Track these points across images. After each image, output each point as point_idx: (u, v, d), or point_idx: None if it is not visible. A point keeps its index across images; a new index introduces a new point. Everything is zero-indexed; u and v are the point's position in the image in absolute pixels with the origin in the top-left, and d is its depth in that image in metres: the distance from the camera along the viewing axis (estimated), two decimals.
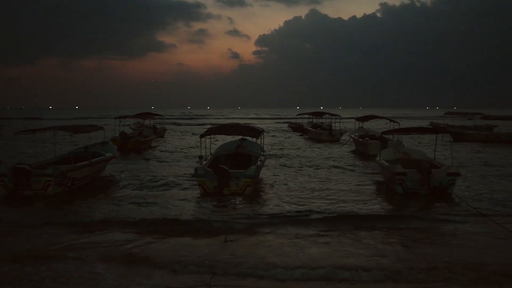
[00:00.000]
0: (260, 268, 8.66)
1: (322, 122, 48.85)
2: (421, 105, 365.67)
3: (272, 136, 44.85)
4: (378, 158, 18.80)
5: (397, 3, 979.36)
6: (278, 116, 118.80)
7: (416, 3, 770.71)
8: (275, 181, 18.53)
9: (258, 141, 20.27)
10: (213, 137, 20.96)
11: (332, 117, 45.09)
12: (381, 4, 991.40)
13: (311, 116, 50.21)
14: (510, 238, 10.59)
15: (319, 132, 40.61)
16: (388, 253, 9.56)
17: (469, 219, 12.33)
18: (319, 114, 48.36)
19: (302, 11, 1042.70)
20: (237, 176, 15.99)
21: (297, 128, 54.05)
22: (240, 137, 20.33)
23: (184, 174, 19.99)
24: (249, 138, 20.06)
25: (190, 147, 31.20)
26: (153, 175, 19.74)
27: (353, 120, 38.79)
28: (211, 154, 19.64)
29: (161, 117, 48.54)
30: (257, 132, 19.07)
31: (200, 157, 17.19)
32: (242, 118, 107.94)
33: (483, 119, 45.91)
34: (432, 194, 14.92)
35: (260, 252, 9.65)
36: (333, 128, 41.29)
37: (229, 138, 23.23)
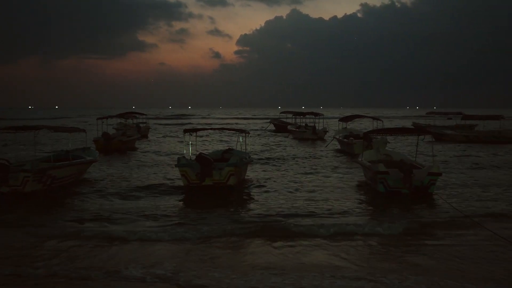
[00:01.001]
0: None
1: (306, 123, 48.95)
2: (402, 105, 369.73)
3: (257, 136, 44.83)
4: (360, 159, 18.84)
5: (378, 4, 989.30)
6: (260, 116, 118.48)
7: (397, 3, 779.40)
8: (258, 180, 18.55)
9: (245, 143, 20.39)
10: (199, 145, 20.91)
11: (316, 116, 45.43)
12: (361, 5, 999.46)
13: (294, 116, 50.44)
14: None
15: (302, 131, 40.86)
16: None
17: (453, 220, 12.21)
18: (303, 114, 48.63)
19: (283, 11, 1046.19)
20: (220, 167, 16.05)
21: (280, 127, 54.09)
22: (226, 147, 20.38)
23: (161, 184, 17.94)
24: (234, 143, 20.09)
25: (173, 150, 30.75)
26: (130, 182, 18.35)
27: (334, 119, 39.12)
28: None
29: (144, 116, 48.21)
30: (240, 131, 19.24)
31: (183, 158, 17.13)
32: (225, 118, 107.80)
33: (464, 119, 46.61)
34: (414, 194, 15.02)
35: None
36: (317, 127, 41.53)
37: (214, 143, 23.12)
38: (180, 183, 16.71)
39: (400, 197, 14.97)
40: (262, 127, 53.41)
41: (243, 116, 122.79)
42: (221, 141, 36.18)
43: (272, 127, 56.24)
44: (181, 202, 14.75)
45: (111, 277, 8.34)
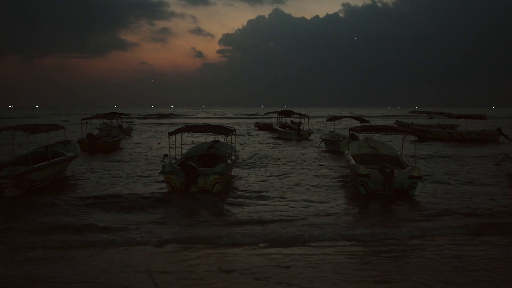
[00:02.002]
0: None
1: (291, 122, 48.95)
2: (384, 104, 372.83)
3: (241, 136, 44.74)
4: (346, 153, 18.83)
5: (360, 4, 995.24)
6: (245, 116, 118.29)
7: (378, 3, 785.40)
8: (241, 179, 18.45)
9: (230, 141, 20.17)
10: (185, 137, 20.63)
11: (301, 117, 45.50)
12: (343, 5, 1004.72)
13: (279, 116, 50.44)
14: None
15: (287, 132, 40.92)
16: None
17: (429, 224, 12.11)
18: (288, 114, 48.66)
19: (265, 10, 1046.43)
20: (205, 174, 15.85)
21: (264, 127, 54.03)
22: (213, 138, 20.17)
23: (145, 188, 17.07)
24: (221, 138, 19.93)
25: (157, 149, 30.54)
26: (113, 186, 17.59)
27: (317, 119, 39.01)
28: (181, 154, 19.45)
29: (128, 116, 47.89)
30: (227, 131, 18.81)
31: (166, 155, 16.87)
32: (209, 118, 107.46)
33: (447, 118, 47.31)
34: (394, 196, 14.97)
35: None
36: (302, 127, 41.61)
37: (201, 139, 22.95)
38: (165, 188, 16.32)
39: (380, 199, 14.78)
40: (251, 129, 53.29)
41: (226, 116, 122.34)
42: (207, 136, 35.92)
43: (255, 127, 56.11)
44: (166, 208, 14.05)
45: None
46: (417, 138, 33.52)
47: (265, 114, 57.94)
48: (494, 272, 8.60)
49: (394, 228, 11.69)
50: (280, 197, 15.35)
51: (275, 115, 51.46)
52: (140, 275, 8.45)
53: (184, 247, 10.08)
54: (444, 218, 12.57)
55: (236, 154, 20.06)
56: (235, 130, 20.19)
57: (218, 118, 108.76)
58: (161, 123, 76.21)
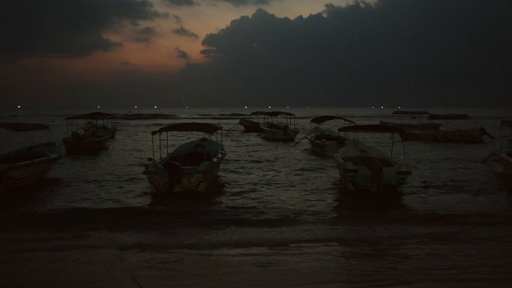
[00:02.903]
0: None
1: (278, 123, 48.95)
2: (367, 104, 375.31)
3: (226, 136, 44.66)
4: (336, 155, 18.85)
5: (343, 4, 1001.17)
6: (229, 116, 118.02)
7: (361, 4, 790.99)
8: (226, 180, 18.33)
9: (217, 140, 20.08)
10: (170, 136, 20.38)
11: (287, 116, 45.50)
12: (326, 5, 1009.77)
13: (266, 116, 50.43)
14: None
15: (274, 131, 40.99)
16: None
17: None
18: (274, 114, 48.67)
19: (249, 11, 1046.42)
20: (189, 173, 15.60)
21: (250, 127, 53.90)
22: (201, 136, 20.05)
23: (129, 189, 16.78)
24: (207, 136, 19.80)
25: (142, 152, 30.12)
26: (97, 186, 17.39)
27: (301, 119, 39.14)
28: (167, 154, 19.20)
29: (112, 116, 47.41)
30: (212, 128, 18.67)
31: (150, 159, 16.62)
32: (194, 118, 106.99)
33: (430, 119, 47.78)
34: (382, 193, 14.96)
35: None
36: (288, 127, 41.72)
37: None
38: (149, 188, 16.09)
39: (369, 196, 14.87)
40: (232, 128, 53.03)
41: (211, 116, 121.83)
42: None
43: (242, 127, 55.87)
44: (147, 210, 13.75)
45: None
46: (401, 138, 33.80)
47: (251, 114, 57.94)
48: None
49: (378, 227, 11.70)
50: (266, 196, 15.38)
51: (262, 115, 51.61)
52: (123, 278, 8.21)
53: (165, 248, 9.92)
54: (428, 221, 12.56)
55: (223, 152, 19.89)
56: (221, 127, 20.02)
57: (203, 118, 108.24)
58: (146, 124, 75.72)
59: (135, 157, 26.66)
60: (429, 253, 9.64)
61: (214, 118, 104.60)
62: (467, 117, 43.07)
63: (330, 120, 36.72)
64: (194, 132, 36.84)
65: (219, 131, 19.69)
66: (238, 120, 62.07)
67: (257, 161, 24.79)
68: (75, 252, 9.55)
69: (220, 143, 20.25)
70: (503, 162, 19.83)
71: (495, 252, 9.77)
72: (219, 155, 18.84)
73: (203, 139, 19.85)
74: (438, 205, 14.22)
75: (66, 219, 12.39)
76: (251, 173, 20.47)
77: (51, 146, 20.23)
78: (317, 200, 15.01)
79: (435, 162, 24.49)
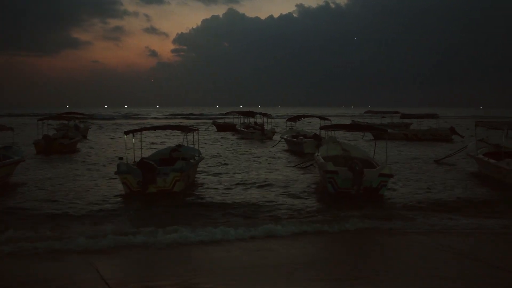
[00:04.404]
0: None
1: (255, 121, 48.87)
2: (336, 104, 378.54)
3: (201, 136, 44.38)
4: (316, 155, 18.55)
5: (313, 5, 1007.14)
6: (201, 116, 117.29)
7: (331, 4, 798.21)
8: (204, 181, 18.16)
9: (193, 141, 19.82)
10: (145, 138, 19.78)
11: (264, 116, 45.58)
12: (297, 5, 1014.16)
13: (243, 116, 50.25)
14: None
15: (251, 132, 40.96)
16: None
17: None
18: (251, 114, 48.62)
19: (220, 10, 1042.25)
20: (165, 172, 15.07)
21: (223, 127, 53.65)
22: (176, 143, 19.65)
23: (100, 192, 16.08)
24: (182, 142, 19.51)
25: (115, 152, 29.52)
26: (66, 189, 16.51)
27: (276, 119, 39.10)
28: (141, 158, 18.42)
29: (84, 115, 46.79)
30: (188, 129, 18.40)
31: (121, 158, 15.95)
32: (166, 119, 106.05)
33: (401, 118, 48.83)
34: (363, 195, 14.61)
35: None
36: (265, 127, 41.83)
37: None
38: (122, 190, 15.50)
39: (348, 198, 14.56)
40: (207, 128, 52.70)
41: (183, 115, 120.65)
42: (168, 137, 35.53)
43: (214, 128, 55.49)
44: (120, 211, 13.41)
45: None
46: (373, 138, 34.30)
47: (226, 114, 57.70)
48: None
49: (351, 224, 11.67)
50: (243, 197, 15.09)
51: (237, 115, 51.46)
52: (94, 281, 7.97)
53: (139, 248, 9.77)
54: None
55: (200, 155, 19.48)
56: (197, 129, 19.73)
57: (175, 118, 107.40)
58: (119, 123, 74.90)
59: (107, 158, 26.16)
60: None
61: (187, 119, 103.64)
62: (437, 117, 44.07)
63: (305, 119, 36.91)
64: (172, 136, 36.50)
65: (196, 133, 19.32)
66: (211, 121, 61.71)
67: (232, 160, 24.73)
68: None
69: (196, 147, 19.74)
70: (481, 162, 20.02)
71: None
72: (196, 158, 18.43)
73: (179, 145, 19.46)
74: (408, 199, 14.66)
75: (32, 223, 11.83)
76: (228, 175, 20.20)
77: (9, 150, 19.19)
78: (294, 198, 15.05)
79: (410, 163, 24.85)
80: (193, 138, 19.85)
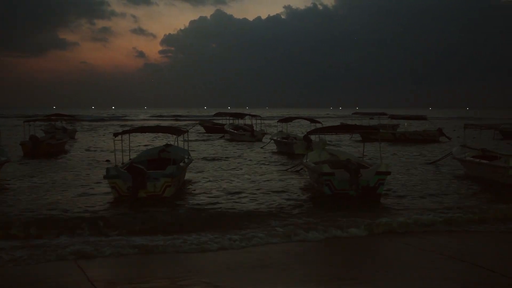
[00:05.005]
0: None
1: (244, 123, 48.75)
2: (324, 105, 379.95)
3: (191, 138, 44.20)
4: (305, 160, 18.30)
5: (301, 6, 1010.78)
6: (188, 118, 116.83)
7: (319, 6, 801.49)
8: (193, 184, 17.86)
9: (183, 145, 19.51)
10: (134, 137, 19.41)
11: (253, 117, 45.51)
12: (285, 7, 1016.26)
13: (232, 117, 50.08)
14: None
15: (241, 133, 40.88)
16: None
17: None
18: (240, 116, 48.52)
19: (207, 11, 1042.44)
20: (155, 177, 14.69)
21: (211, 128, 53.47)
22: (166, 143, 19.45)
23: (88, 195, 15.68)
24: (172, 141, 19.29)
25: (104, 154, 29.17)
26: (52, 191, 16.27)
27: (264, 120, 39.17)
28: (130, 159, 18.07)
29: (72, 117, 46.43)
30: (178, 131, 18.14)
31: (108, 161, 15.62)
32: (154, 120, 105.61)
33: (390, 119, 49.06)
34: (361, 195, 14.36)
35: None
36: (255, 129, 41.81)
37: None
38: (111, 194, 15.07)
39: (347, 200, 14.27)
40: (193, 127, 52.29)
41: (171, 116, 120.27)
42: (159, 139, 35.23)
43: (202, 129, 55.08)
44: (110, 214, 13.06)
45: None
46: (361, 138, 34.54)
47: (214, 115, 57.49)
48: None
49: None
50: (234, 202, 14.60)
51: (225, 116, 51.31)
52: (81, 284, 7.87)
53: (124, 255, 9.55)
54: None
55: (189, 157, 19.07)
56: (187, 131, 19.42)
57: (163, 120, 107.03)
58: (107, 125, 74.44)
59: (95, 160, 25.73)
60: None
61: (176, 120, 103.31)
62: (425, 118, 44.37)
63: (296, 121, 36.94)
64: (160, 135, 36.20)
65: (186, 135, 19.04)
66: (198, 122, 61.27)
67: (223, 163, 24.60)
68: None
69: (186, 148, 19.41)
70: (471, 165, 20.02)
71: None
72: (185, 161, 18.02)
73: (168, 145, 19.15)
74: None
75: (17, 227, 11.46)
76: (219, 177, 19.96)
77: None
78: (286, 199, 14.91)
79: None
80: (183, 139, 19.58)
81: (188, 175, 19.28)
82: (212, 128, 53.29)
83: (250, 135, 39.35)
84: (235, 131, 42.67)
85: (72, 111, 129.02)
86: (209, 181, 18.79)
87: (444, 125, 51.50)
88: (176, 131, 18.26)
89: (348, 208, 13.57)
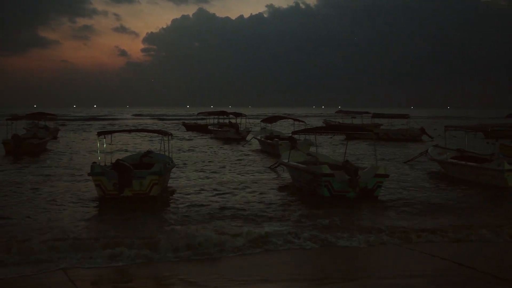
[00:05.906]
0: None
1: (230, 121, 48.66)
2: (309, 104, 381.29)
3: (175, 138, 44.02)
4: (285, 160, 18.03)
5: (283, 5, 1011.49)
6: (172, 117, 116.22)
7: (301, 5, 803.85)
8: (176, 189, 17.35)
9: (166, 149, 19.02)
10: (118, 136, 18.98)
11: (238, 117, 45.52)
12: (267, 6, 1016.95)
13: (215, 117, 50.17)
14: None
15: (226, 131, 40.87)
16: None
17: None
18: (225, 113, 48.56)
19: (190, 10, 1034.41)
20: (141, 175, 14.46)
21: (193, 127, 53.39)
22: (147, 148, 19.25)
23: (72, 194, 15.47)
24: (157, 143, 19.05)
25: (86, 153, 28.79)
26: (34, 191, 15.90)
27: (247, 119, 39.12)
28: (112, 162, 17.42)
29: (54, 116, 46.00)
30: (163, 132, 18.15)
31: (94, 163, 15.40)
32: (137, 119, 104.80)
33: (373, 117, 49.66)
34: (359, 197, 14.22)
35: None
36: (240, 127, 41.85)
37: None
38: (95, 193, 14.79)
39: (346, 202, 14.07)
40: (181, 130, 52.05)
41: (154, 116, 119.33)
42: (141, 140, 35.14)
43: (183, 128, 54.72)
44: (94, 216, 12.88)
45: None
46: (344, 137, 34.76)
47: (198, 114, 57.42)
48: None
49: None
50: (223, 206, 13.99)
51: (209, 115, 51.32)
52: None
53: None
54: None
55: (172, 163, 18.37)
56: (171, 134, 19.22)
57: (148, 119, 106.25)
58: (89, 124, 73.90)
59: (78, 160, 25.59)
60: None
61: (159, 120, 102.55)
62: (407, 117, 44.88)
63: (281, 121, 36.96)
64: (146, 137, 35.93)
65: (170, 137, 18.72)
66: (181, 123, 61.06)
67: (208, 163, 24.46)
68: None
69: (168, 154, 18.62)
70: (452, 167, 20.10)
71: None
72: (168, 165, 17.55)
73: (149, 151, 18.74)
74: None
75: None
76: (202, 176, 19.88)
77: None
78: (272, 200, 14.85)
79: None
80: (169, 142, 19.25)
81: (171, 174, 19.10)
82: (193, 127, 53.42)
83: (234, 132, 39.41)
84: (219, 129, 42.69)
85: (53, 110, 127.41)
86: (192, 180, 18.74)
87: (426, 125, 51.95)
88: (162, 132, 18.28)
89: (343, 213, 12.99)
